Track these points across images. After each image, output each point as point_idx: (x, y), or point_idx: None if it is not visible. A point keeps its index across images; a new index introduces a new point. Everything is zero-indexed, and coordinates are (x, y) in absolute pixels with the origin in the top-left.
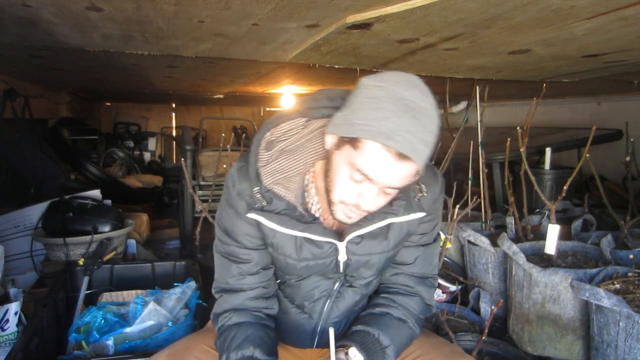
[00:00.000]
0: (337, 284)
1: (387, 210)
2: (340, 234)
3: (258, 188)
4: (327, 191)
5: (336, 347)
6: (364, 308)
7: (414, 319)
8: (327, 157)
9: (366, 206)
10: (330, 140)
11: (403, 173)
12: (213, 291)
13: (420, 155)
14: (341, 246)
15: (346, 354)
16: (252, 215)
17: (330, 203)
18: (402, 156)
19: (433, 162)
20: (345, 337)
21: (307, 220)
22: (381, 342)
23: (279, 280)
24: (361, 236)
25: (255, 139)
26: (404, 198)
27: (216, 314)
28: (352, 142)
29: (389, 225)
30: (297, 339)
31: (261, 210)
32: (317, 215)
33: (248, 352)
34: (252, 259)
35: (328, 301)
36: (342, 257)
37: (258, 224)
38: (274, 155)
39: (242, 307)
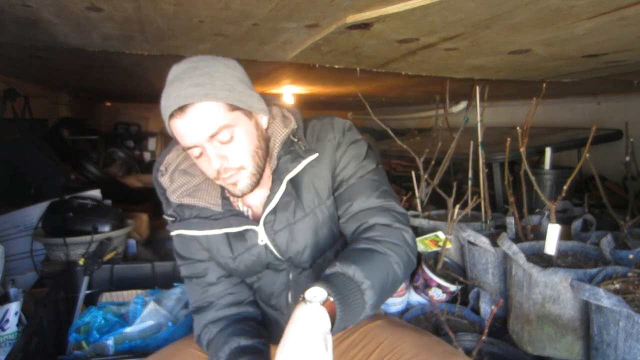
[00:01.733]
0: (291, 275)
1: (280, 172)
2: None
3: (171, 208)
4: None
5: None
6: None
7: (383, 245)
8: None
9: (216, 164)
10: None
11: (198, 119)
12: (191, 314)
13: (195, 94)
14: (259, 229)
15: (303, 298)
16: (173, 233)
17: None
18: (181, 109)
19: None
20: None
21: (225, 215)
22: (342, 270)
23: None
24: (274, 213)
25: (153, 175)
26: (287, 153)
27: (198, 336)
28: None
29: (297, 190)
30: (279, 336)
31: (179, 223)
32: (240, 207)
33: (234, 344)
34: (207, 269)
35: (289, 293)
36: (262, 238)
37: (196, 238)
38: (171, 176)
39: (217, 318)
